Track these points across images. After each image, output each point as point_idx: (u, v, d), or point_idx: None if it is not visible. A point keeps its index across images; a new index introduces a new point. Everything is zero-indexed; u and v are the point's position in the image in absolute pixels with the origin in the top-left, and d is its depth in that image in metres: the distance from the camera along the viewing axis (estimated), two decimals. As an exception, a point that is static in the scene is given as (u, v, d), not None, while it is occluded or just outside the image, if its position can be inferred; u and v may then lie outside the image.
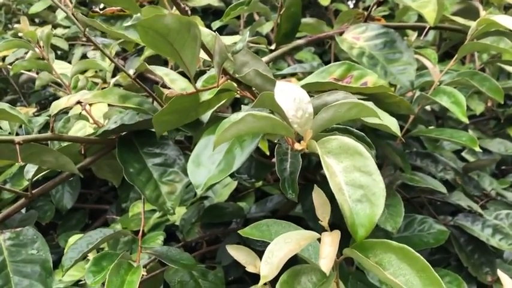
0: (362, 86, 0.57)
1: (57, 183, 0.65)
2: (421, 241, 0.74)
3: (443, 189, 0.78)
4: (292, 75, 1.01)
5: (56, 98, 1.31)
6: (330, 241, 0.40)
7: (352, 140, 0.38)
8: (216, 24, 1.11)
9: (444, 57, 1.18)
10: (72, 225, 1.17)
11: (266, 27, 1.24)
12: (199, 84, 0.72)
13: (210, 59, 0.46)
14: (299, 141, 0.43)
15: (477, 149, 0.66)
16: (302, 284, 0.42)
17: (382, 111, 0.50)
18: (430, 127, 0.92)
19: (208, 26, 0.87)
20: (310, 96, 0.44)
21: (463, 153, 1.07)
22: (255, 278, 0.89)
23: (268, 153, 0.95)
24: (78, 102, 0.59)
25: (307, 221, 0.83)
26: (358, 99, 0.47)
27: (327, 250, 0.39)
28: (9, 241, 0.59)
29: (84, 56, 1.25)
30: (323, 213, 0.42)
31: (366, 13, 0.84)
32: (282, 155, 0.52)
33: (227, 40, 0.85)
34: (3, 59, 1.12)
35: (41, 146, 0.58)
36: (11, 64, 1.13)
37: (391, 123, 0.50)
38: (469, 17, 0.85)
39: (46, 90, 1.31)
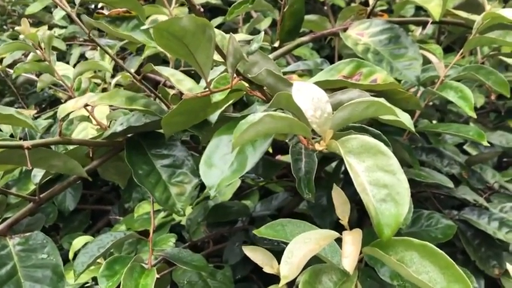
0: (372, 83, 0.56)
1: (66, 187, 0.64)
2: (429, 236, 0.73)
3: (450, 184, 0.78)
4: (292, 72, 1.01)
5: (55, 99, 1.31)
6: (352, 240, 0.39)
7: (373, 139, 0.37)
8: (216, 21, 1.11)
9: (444, 51, 1.18)
10: (74, 227, 1.16)
11: (264, 24, 1.23)
12: (202, 84, 0.72)
13: (223, 60, 0.46)
14: (313, 141, 0.43)
15: (485, 143, 0.66)
16: (323, 283, 0.41)
17: (395, 107, 0.50)
18: (434, 122, 0.92)
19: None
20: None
21: (465, 147, 1.07)
22: (262, 277, 0.89)
23: (271, 150, 0.94)
24: (86, 105, 0.58)
25: (313, 217, 0.82)
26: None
27: (349, 249, 0.38)
28: (18, 246, 0.58)
29: (82, 56, 1.24)
30: (343, 212, 0.42)
31: (368, 9, 0.83)
32: (296, 154, 0.51)
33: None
34: (1, 61, 1.11)
35: (50, 151, 0.58)
36: (8, 66, 1.12)
37: (405, 119, 0.50)
38: (470, 10, 0.85)
39: (44, 91, 1.30)
